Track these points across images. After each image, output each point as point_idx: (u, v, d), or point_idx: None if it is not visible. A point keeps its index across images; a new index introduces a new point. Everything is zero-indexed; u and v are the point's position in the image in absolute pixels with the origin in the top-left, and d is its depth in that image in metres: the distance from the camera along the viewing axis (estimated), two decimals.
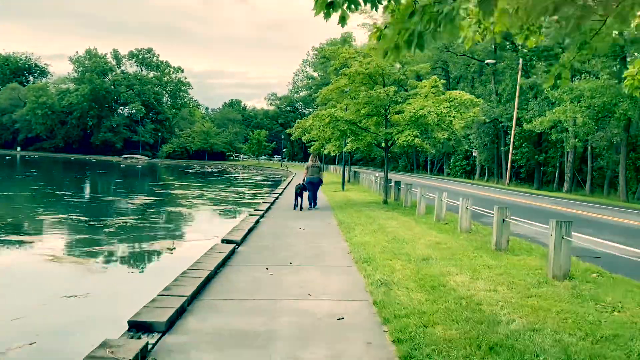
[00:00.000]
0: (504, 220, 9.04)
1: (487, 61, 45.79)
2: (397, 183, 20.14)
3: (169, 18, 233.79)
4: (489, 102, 50.21)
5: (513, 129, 43.25)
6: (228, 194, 27.77)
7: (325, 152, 34.59)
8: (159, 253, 11.35)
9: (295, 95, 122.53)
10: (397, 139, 16.23)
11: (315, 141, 39.32)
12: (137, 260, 10.62)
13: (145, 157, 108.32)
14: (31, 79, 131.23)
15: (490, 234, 10.92)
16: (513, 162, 46.95)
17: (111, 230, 13.84)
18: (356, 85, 17.62)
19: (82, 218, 15.81)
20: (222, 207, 21.07)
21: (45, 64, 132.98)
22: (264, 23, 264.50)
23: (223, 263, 8.06)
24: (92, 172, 50.13)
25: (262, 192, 30.68)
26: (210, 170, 69.54)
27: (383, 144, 18.64)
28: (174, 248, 11.83)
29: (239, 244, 9.82)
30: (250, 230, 11.70)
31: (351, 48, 17.53)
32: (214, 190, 31.15)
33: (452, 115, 15.57)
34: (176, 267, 8.06)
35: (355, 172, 39.10)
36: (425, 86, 17.64)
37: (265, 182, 45.36)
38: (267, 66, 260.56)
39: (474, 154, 52.70)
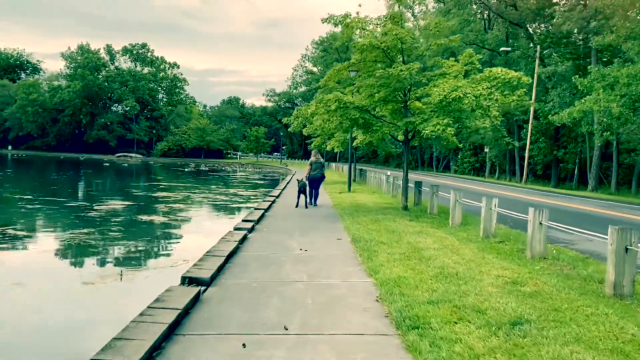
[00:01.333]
0: (627, 248, 5.65)
1: (502, 49, 42.29)
2: (418, 184, 16.73)
3: (170, 17, 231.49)
4: None
5: (530, 122, 39.83)
6: (218, 197, 24.37)
7: (328, 148, 31.23)
8: (78, 307, 7.82)
9: (294, 91, 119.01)
10: (423, 130, 12.82)
11: (316, 137, 35.89)
12: (25, 330, 6.29)
13: (140, 156, 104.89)
14: (23, 75, 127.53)
15: (579, 263, 7.55)
16: (529, 159, 43.54)
17: (44, 251, 10.48)
18: (368, 64, 14.19)
19: (19, 233, 12.42)
20: (206, 215, 17.65)
21: (37, 61, 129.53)
22: (265, 21, 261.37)
23: (167, 335, 4.67)
24: (75, 171, 46.71)
25: (257, 194, 27.30)
26: (204, 168, 66.12)
27: (401, 137, 15.23)
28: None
29: (208, 283, 6.45)
30: (231, 255, 8.33)
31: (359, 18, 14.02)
32: (204, 191, 27.75)
33: (495, 97, 12.17)
34: (86, 344, 4.68)
35: (361, 170, 35.64)
36: (453, 65, 14.23)
37: (262, 182, 41.96)
38: (268, 64, 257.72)
39: (485, 149, 49.28)
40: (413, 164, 79.72)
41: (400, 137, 15.28)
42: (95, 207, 17.84)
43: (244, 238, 10.09)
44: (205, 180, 43.24)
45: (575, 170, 42.43)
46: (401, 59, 14.00)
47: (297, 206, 16.02)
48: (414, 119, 13.59)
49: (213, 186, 32.99)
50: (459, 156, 61.85)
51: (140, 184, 33.16)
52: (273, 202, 18.31)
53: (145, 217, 15.96)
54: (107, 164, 64.34)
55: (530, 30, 48.71)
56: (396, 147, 33.98)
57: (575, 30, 44.82)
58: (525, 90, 12.72)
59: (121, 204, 19.53)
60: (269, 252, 8.74)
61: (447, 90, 12.32)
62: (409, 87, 14.07)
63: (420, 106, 15.20)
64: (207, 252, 8.26)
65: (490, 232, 9.94)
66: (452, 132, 12.32)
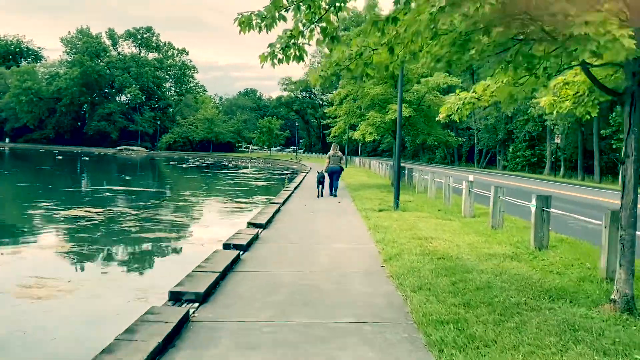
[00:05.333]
0: None
1: None
2: (615, 217, 6.40)
3: (194, 12, 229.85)
4: None
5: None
6: (170, 220, 14.16)
7: (357, 135, 21.35)
8: None
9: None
10: None
11: (335, 121, 25.76)
12: None
13: (143, 149, 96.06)
14: (24, 63, 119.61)
15: None
16: (616, 152, 32.78)
17: None
18: None
19: None
20: (82, 291, 7.42)
21: (39, 48, 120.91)
22: (290, 16, 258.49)
23: None
24: (27, 167, 37.50)
25: (244, 208, 17.40)
26: (202, 163, 56.45)
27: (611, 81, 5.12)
28: None
29: None
30: None
31: None
32: (160, 203, 17.92)
33: None
34: None
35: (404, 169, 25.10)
36: None
37: (264, 183, 32.03)
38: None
39: (556, 140, 38.58)
40: (448, 159, 69.11)
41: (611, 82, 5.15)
42: None
43: None
44: (189, 180, 33.59)
45: None
46: None
47: (318, 197, 16.49)
48: None
49: (188, 192, 23.09)
50: (510, 149, 51.02)
51: (84, 188, 23.35)
52: (251, 241, 8.38)
53: None
54: (60, 157, 54.02)
55: None
56: (457, 136, 23.64)
57: None
58: None
59: None
60: None
61: None
62: None
63: None
64: None
65: None
66: None
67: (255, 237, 9.05)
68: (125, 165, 50.18)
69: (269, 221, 11.04)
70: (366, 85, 20.78)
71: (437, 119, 6.91)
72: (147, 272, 8.26)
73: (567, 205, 14.48)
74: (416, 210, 13.35)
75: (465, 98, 6.28)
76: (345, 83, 21.38)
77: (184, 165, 51.51)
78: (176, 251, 10.06)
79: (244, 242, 8.12)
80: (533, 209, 8.20)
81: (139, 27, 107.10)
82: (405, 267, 6.77)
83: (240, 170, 46.26)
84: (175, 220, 13.37)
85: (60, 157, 53.51)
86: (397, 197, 13.83)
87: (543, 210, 8.12)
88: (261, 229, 10.03)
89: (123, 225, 12.00)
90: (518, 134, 49.19)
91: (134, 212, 14.28)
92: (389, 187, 20.77)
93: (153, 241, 10.56)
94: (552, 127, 40.89)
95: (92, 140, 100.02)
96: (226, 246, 7.98)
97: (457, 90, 6.74)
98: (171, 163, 56.72)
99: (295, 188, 20.13)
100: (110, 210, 14.60)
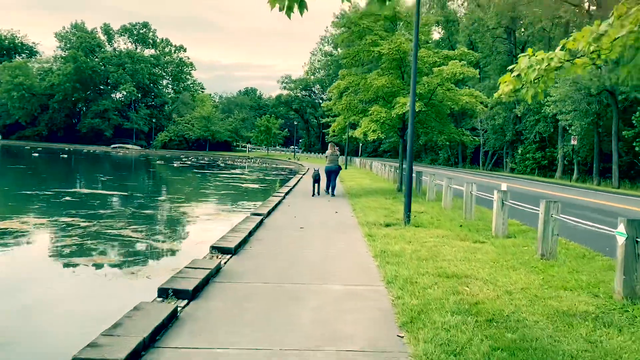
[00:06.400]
0: None
1: None
2: None
3: (197, 11, 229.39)
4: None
5: None
6: (121, 234, 11.42)
7: (357, 134, 18.74)
8: None
9: (312, 77, 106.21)
10: None
11: (333, 119, 23.49)
12: None
13: (138, 147, 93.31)
14: (18, 59, 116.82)
15: None
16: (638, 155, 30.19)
17: None
18: None
19: None
20: None
21: (33, 43, 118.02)
22: (293, 15, 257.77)
23: None
24: None
25: (223, 219, 14.72)
26: (194, 162, 53.66)
27: None
28: None
29: None
30: None
31: None
32: (125, 211, 15.17)
33: None
34: None
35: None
36: None
37: (255, 186, 29.33)
38: (295, 58, 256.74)
39: (572, 141, 35.87)
40: (452, 160, 66.44)
41: None
42: None
43: None
44: (173, 182, 30.95)
45: None
46: None
47: (313, 195, 16.57)
48: None
49: (164, 196, 20.39)
50: (519, 151, 48.24)
51: (45, 191, 20.56)
52: (207, 280, 5.83)
53: None
54: (36, 155, 50.74)
55: None
56: (472, 137, 20.84)
57: None
58: None
59: None
60: None
61: None
62: None
63: None
64: None
65: None
66: None
67: (216, 272, 6.40)
68: (110, 164, 47.48)
69: (243, 242, 8.39)
70: (370, 77, 18.18)
71: (495, 95, 4.22)
72: (18, 349, 5.28)
73: (608, 219, 11.75)
74: (432, 226, 10.69)
75: (552, 59, 3.61)
76: (346, 74, 18.70)
77: (175, 165, 48.78)
78: (99, 296, 7.07)
79: (191, 286, 5.43)
80: (621, 240, 5.53)
81: (134, 23, 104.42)
82: (438, 342, 4.11)
83: (233, 171, 43.55)
84: (130, 237, 10.67)
85: (37, 155, 50.52)
86: (408, 209, 11.16)
87: (637, 241, 5.45)
88: (229, 256, 7.38)
89: (57, 244, 9.32)
90: (528, 135, 46.47)
91: (84, 224, 11.58)
92: (395, 193, 18.15)
93: (78, 274, 7.83)
94: (565, 128, 38.22)
95: (86, 138, 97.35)
96: (162, 292, 5.31)
97: (525, 52, 4.08)
98: (158, 162, 53.79)
99: (286, 193, 17.46)
100: (56, 220, 11.93)
